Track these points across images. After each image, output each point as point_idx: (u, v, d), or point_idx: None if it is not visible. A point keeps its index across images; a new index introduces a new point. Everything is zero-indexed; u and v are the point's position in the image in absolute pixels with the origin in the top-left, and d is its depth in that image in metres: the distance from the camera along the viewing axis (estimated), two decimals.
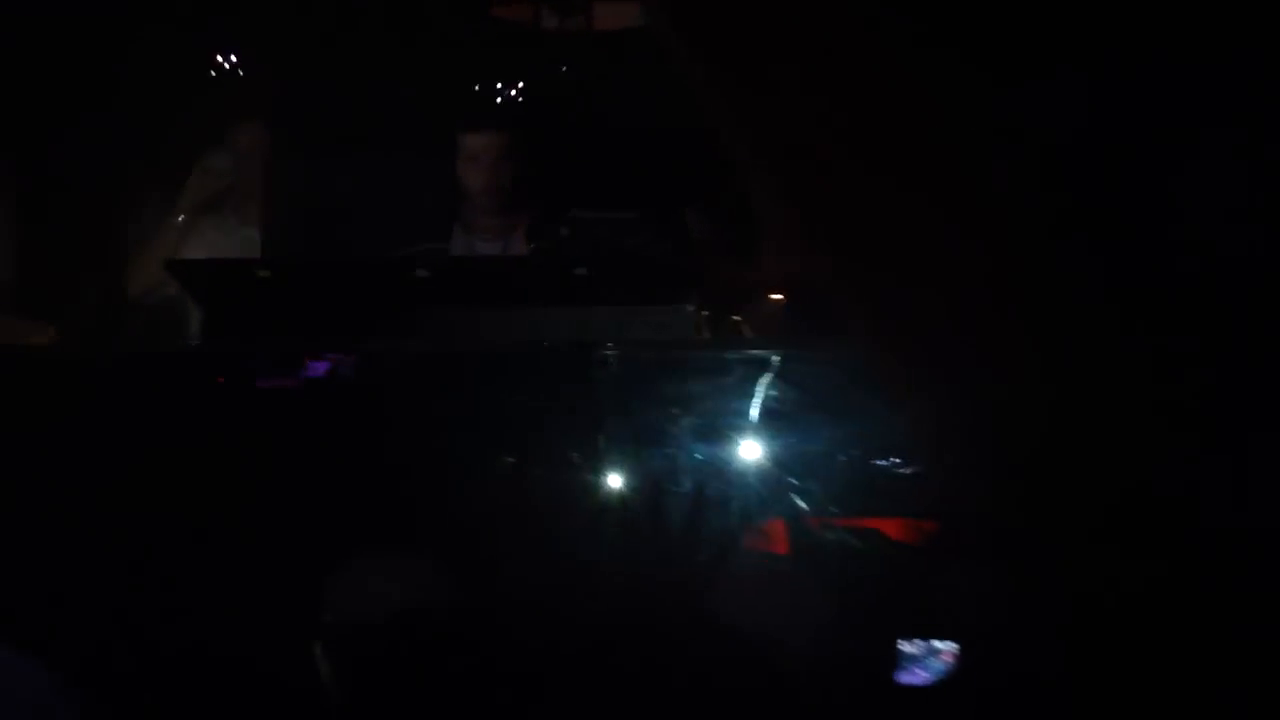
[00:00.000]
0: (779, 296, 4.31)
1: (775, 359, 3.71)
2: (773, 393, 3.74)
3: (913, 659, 3.66)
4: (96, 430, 3.65)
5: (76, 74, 4.71)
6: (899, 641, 3.62)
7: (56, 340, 4.13)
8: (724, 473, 3.69)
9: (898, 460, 3.88)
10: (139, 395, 3.73)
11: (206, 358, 3.90)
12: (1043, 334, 3.66)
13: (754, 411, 3.72)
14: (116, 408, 3.70)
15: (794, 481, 3.83)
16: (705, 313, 4.05)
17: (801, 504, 3.83)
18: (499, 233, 4.45)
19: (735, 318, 4.13)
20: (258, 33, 4.99)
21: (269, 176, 4.68)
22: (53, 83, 4.68)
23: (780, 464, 3.77)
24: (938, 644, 3.63)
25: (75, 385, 3.76)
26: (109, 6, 4.71)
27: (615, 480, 3.60)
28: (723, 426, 3.69)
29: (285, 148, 4.84)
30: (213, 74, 4.95)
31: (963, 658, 3.58)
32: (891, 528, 3.89)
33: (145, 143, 4.70)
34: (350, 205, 4.83)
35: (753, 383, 3.71)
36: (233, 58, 4.98)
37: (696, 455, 3.67)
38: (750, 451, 3.71)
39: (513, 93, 4.85)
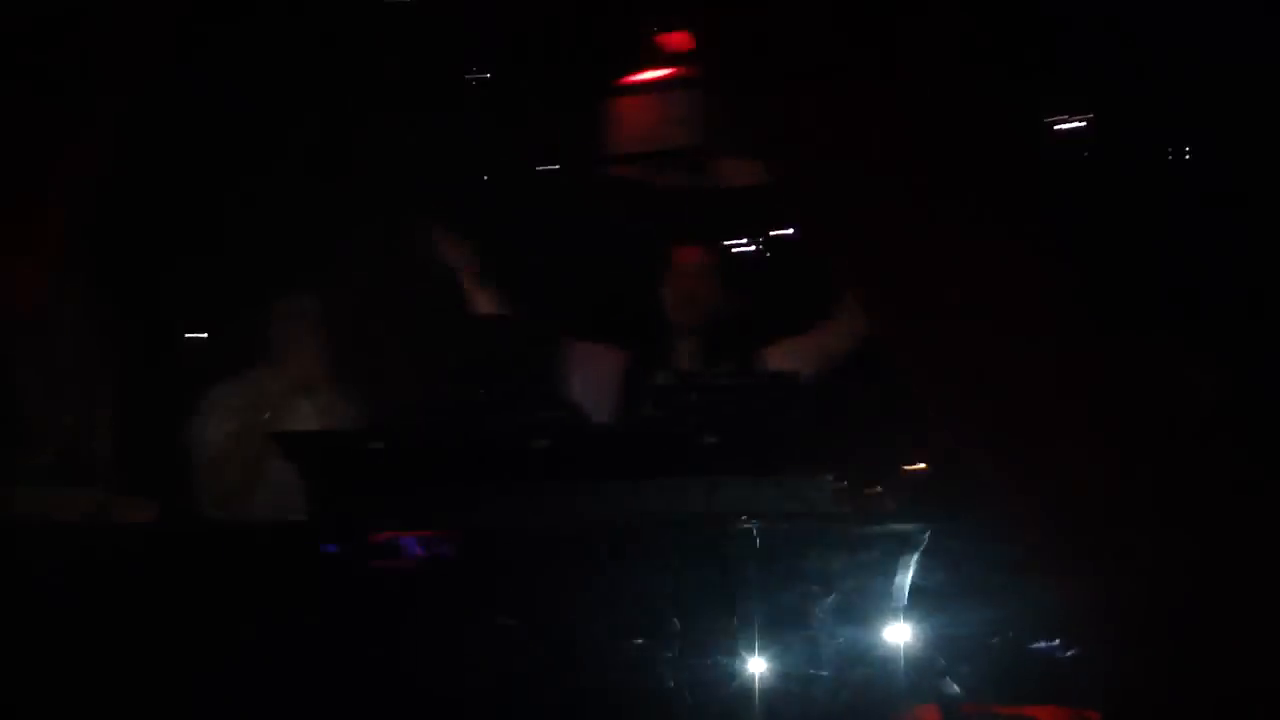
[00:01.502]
0: (922, 465, 4.17)
1: (923, 534, 3.57)
2: (920, 570, 3.60)
3: None
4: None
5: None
6: None
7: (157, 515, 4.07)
8: (869, 655, 3.55)
9: (1057, 643, 3.73)
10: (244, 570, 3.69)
11: (316, 532, 3.82)
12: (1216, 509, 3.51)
13: (901, 590, 3.58)
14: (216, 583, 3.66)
15: (944, 664, 3.68)
16: (844, 483, 3.92)
17: (953, 689, 3.67)
18: (699, 355, 4.41)
19: (875, 489, 3.99)
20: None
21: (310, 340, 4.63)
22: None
23: (929, 645, 3.63)
24: None
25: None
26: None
27: (755, 665, 3.45)
28: (868, 606, 3.55)
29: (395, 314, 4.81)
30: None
31: None
32: (1049, 716, 3.73)
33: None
34: (465, 373, 4.76)
35: (899, 559, 3.57)
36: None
37: (840, 636, 3.53)
38: (897, 633, 3.57)
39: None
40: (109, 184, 4.14)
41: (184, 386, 4.57)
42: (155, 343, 4.82)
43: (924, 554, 3.59)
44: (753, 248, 4.67)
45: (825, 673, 3.51)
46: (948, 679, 3.60)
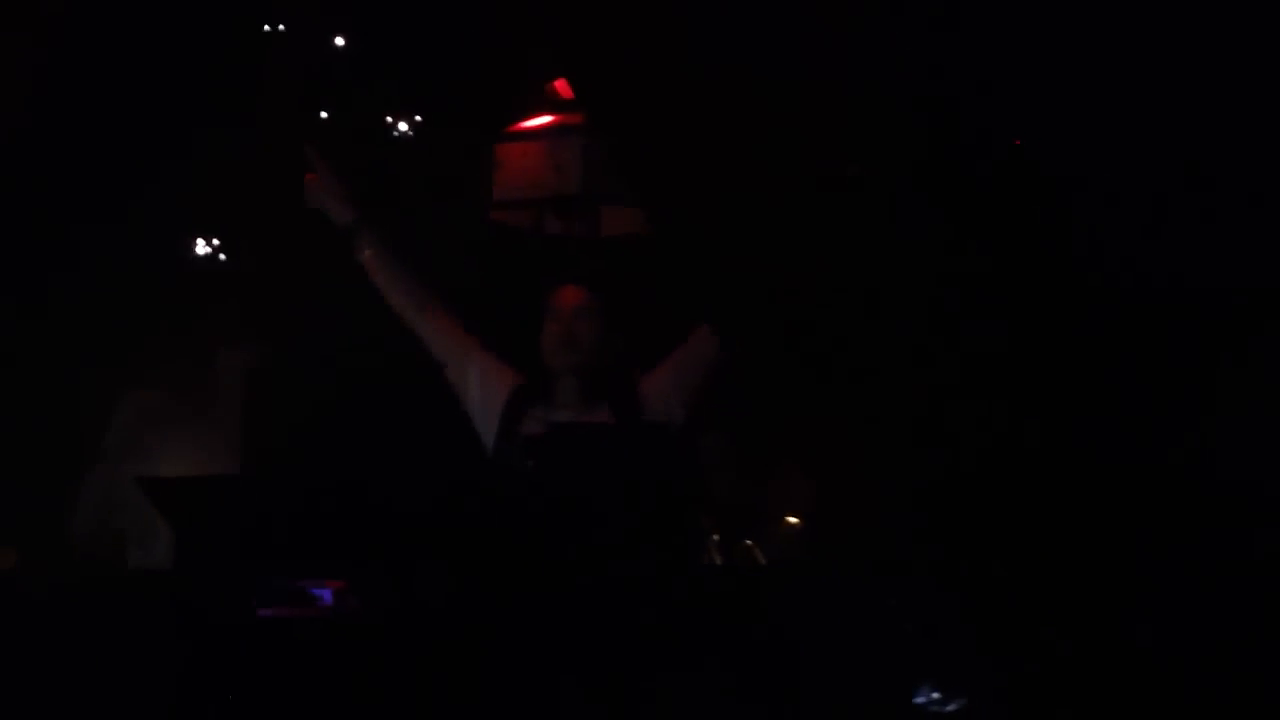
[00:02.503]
0: (795, 520, 4.16)
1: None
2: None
3: None
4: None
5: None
6: None
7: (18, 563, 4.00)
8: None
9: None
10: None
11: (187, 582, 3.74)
12: None
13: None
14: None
15: None
16: (716, 537, 3.90)
17: None
18: (578, 402, 4.37)
19: (748, 542, 3.97)
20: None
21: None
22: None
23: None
24: None
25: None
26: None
27: None
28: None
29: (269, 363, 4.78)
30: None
31: None
32: None
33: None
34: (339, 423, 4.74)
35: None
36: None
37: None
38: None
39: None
40: None
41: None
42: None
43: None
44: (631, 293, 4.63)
45: None
46: None
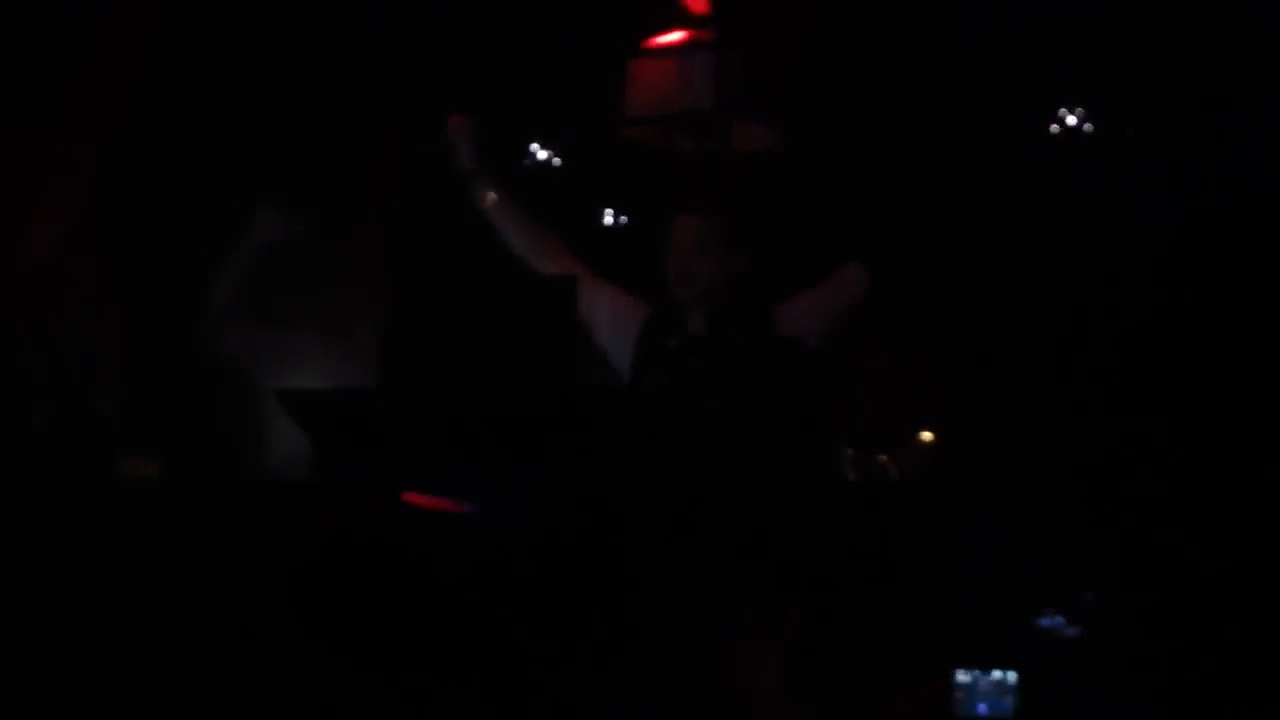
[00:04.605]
0: (930, 436, 4.13)
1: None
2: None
3: None
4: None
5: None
6: None
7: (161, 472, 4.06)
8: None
9: None
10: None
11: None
12: None
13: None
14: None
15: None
16: (850, 452, 3.88)
17: None
18: (710, 330, 4.32)
19: (882, 458, 3.95)
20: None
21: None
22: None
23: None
24: None
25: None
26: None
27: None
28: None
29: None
30: None
31: None
32: None
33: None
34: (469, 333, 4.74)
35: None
36: None
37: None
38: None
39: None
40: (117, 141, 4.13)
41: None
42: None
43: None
44: (768, 212, 4.60)
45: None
46: None
